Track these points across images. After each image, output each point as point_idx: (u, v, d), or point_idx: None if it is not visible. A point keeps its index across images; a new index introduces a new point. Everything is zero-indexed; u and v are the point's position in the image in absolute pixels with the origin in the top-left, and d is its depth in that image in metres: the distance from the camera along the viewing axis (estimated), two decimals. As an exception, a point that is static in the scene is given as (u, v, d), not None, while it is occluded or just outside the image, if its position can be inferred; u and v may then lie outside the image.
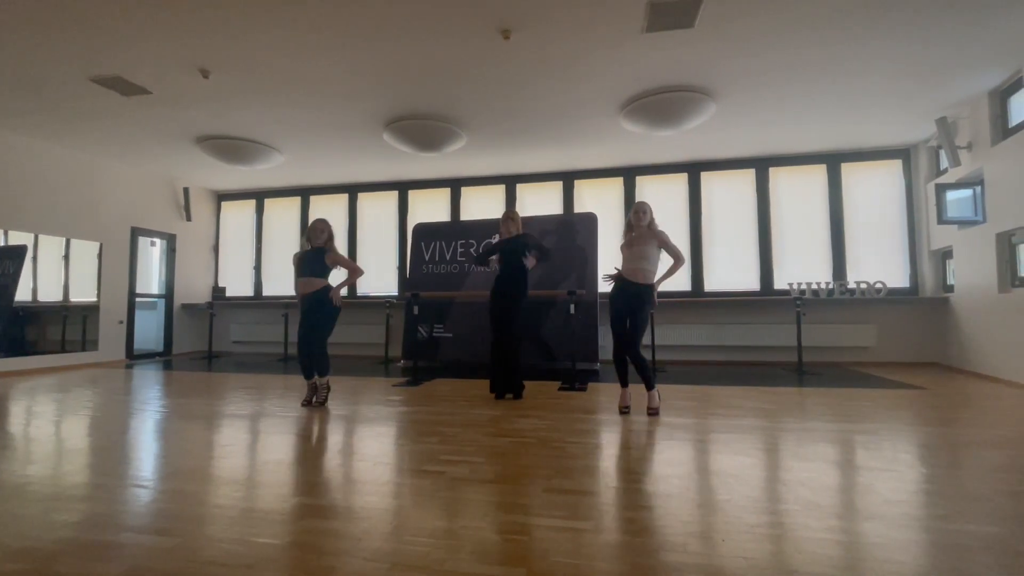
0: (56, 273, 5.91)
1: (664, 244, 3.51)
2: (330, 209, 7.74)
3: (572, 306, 4.64)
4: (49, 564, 1.40)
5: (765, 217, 6.32)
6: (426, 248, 6.60)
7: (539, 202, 7.01)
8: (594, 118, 5.03)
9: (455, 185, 7.31)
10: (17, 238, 5.49)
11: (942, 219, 5.10)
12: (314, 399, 3.63)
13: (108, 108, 4.69)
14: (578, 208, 6.82)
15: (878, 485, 1.98)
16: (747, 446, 2.55)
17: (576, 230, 6.09)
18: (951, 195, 5.04)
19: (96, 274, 6.27)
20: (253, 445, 2.68)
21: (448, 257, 6.48)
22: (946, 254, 5.60)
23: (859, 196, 6.12)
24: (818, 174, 6.23)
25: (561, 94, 4.47)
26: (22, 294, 5.53)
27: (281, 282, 7.84)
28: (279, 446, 2.65)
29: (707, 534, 1.57)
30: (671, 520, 1.67)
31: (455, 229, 6.64)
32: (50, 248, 5.82)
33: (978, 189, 4.77)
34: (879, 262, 6.00)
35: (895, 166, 6.05)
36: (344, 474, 2.20)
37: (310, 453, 2.54)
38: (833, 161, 6.15)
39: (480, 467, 2.24)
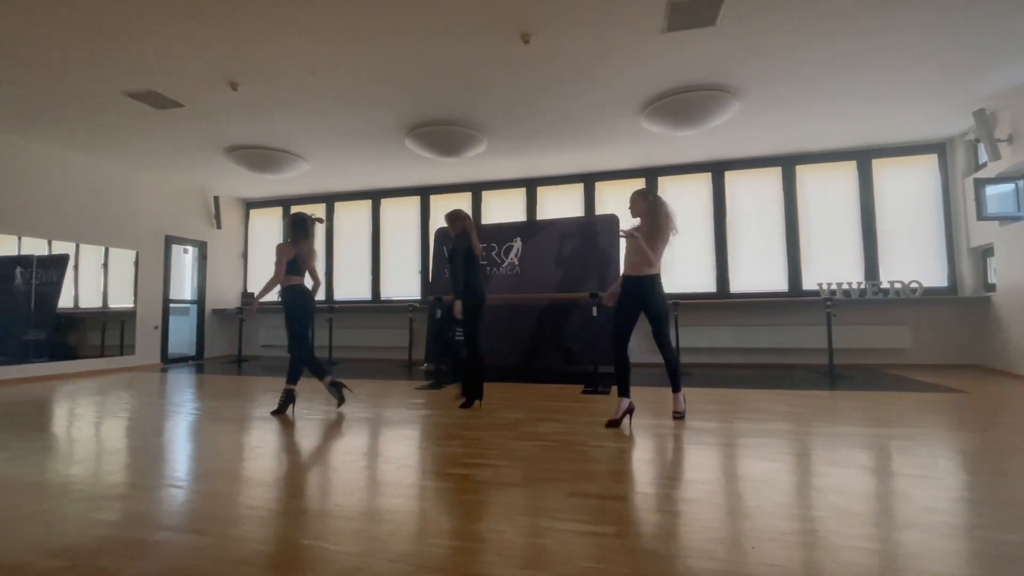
0: (96, 281, 6.16)
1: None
2: (354, 215, 7.89)
3: (595, 308, 4.61)
4: (91, 561, 1.46)
5: (792, 216, 6.17)
6: (448, 252, 6.64)
7: (560, 204, 7.00)
8: (614, 119, 5.00)
9: (476, 189, 7.35)
10: (59, 247, 5.75)
11: (982, 215, 4.90)
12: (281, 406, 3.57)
13: (142, 121, 4.88)
14: (599, 210, 6.78)
15: (916, 492, 1.91)
16: (776, 451, 2.49)
17: (597, 232, 6.05)
18: (991, 190, 4.83)
19: (133, 281, 6.52)
20: (281, 447, 2.74)
21: (470, 261, 6.50)
22: (987, 251, 5.37)
23: (892, 193, 5.92)
24: (848, 171, 6.06)
25: (581, 96, 4.46)
26: (65, 301, 5.80)
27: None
28: (306, 448, 2.70)
29: (735, 541, 1.54)
30: (698, 526, 1.64)
31: (477, 233, 6.67)
32: (90, 257, 6.08)
33: (1020, 183, 4.56)
34: (914, 261, 5.79)
35: (930, 161, 5.83)
36: (369, 476, 2.23)
37: (335, 455, 2.58)
38: (864, 157, 5.97)
39: (503, 470, 2.24)
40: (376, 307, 7.42)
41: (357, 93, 4.34)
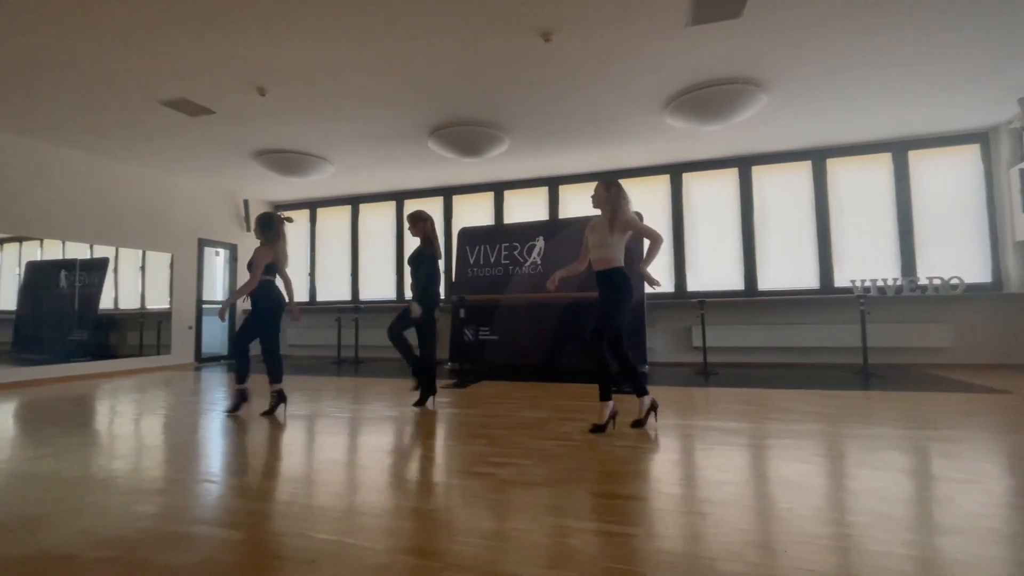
0: (134, 283, 6.41)
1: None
2: (378, 216, 8.00)
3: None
4: (132, 552, 1.52)
5: (824, 211, 5.99)
6: (471, 252, 6.68)
7: (582, 203, 6.93)
8: (637, 116, 4.94)
9: (498, 189, 7.37)
10: (100, 251, 6.01)
11: (1028, 207, 4.67)
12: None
13: (176, 128, 5.05)
14: (622, 208, 6.70)
15: (959, 497, 1.83)
16: (808, 452, 2.42)
17: (621, 230, 5.98)
18: (1038, 180, 4.60)
19: (168, 283, 6.76)
20: (310, 444, 2.80)
21: (492, 260, 6.53)
22: (1033, 245, 5.12)
23: (930, 185, 5.69)
24: (882, 163, 5.85)
25: (603, 93, 4.42)
26: (105, 302, 6.05)
27: (334, 288, 8.16)
28: (334, 446, 2.75)
29: (767, 544, 1.50)
30: (727, 528, 1.61)
31: (499, 232, 6.69)
32: (128, 260, 6.32)
33: (1070, 173, 4.33)
34: (954, 256, 5.55)
35: (971, 151, 5.59)
36: (396, 474, 2.26)
37: (363, 453, 2.62)
38: (899, 149, 5.76)
39: (528, 470, 2.24)
40: (400, 306, 7.50)
41: (380, 95, 4.40)
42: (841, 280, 5.86)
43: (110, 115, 4.70)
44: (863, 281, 5.47)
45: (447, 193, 7.61)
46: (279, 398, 3.56)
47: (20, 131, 5.07)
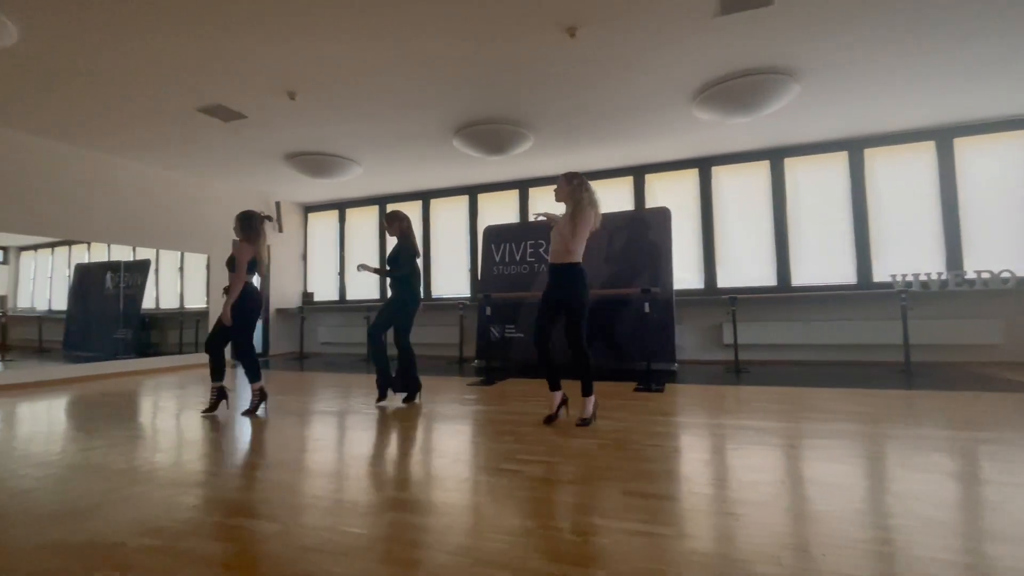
0: (173, 283, 6.67)
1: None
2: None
3: (647, 304, 4.50)
4: (176, 541, 1.58)
5: (861, 203, 5.77)
6: (496, 250, 6.70)
7: (609, 198, 6.87)
8: (664, 109, 4.86)
9: (523, 186, 7.36)
10: (142, 253, 6.28)
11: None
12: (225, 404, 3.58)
13: (211, 134, 5.22)
14: (650, 203, 6.62)
15: (1009, 503, 1.74)
16: (846, 453, 2.34)
17: (649, 225, 5.91)
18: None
19: (205, 283, 7.00)
20: (341, 440, 2.86)
21: (518, 258, 6.54)
22: (1093, 236, 4.81)
23: (978, 173, 5.41)
24: (924, 152, 5.59)
25: (629, 88, 4.36)
26: (147, 303, 6.32)
27: (363, 287, 8.31)
28: (364, 441, 2.81)
29: (804, 547, 1.46)
30: (761, 530, 1.57)
31: (524, 230, 6.69)
32: (168, 261, 6.58)
33: None
34: (1005, 248, 5.26)
35: (1023, 137, 5.28)
36: (425, 470, 2.29)
37: (392, 449, 2.66)
38: (943, 137, 5.49)
39: (556, 467, 2.23)
40: (427, 305, 7.60)
41: (406, 96, 4.45)
42: (880, 275, 5.64)
43: (152, 124, 4.90)
44: (904, 276, 5.24)
45: (472, 192, 7.65)
46: (261, 396, 3.58)
47: (70, 141, 5.34)
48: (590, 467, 2.23)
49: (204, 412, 3.56)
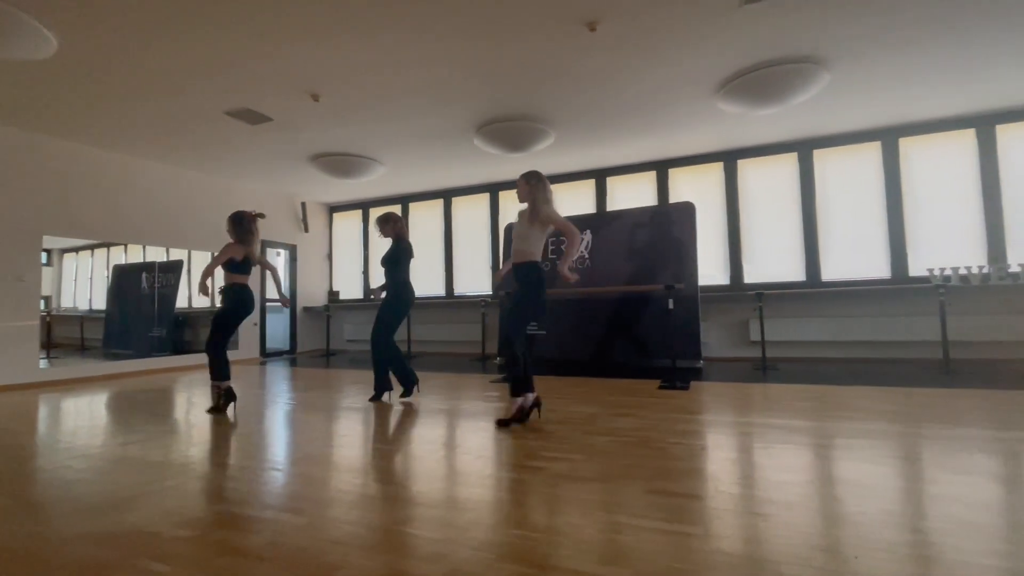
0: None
1: (544, 220, 2.95)
2: (427, 214, 8.17)
3: (670, 301, 4.44)
4: (210, 532, 1.63)
5: (895, 194, 5.56)
6: (518, 247, 6.69)
7: (631, 194, 6.80)
8: (688, 102, 4.77)
9: (544, 183, 7.32)
10: (175, 254, 6.49)
11: None
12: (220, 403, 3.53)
13: (238, 137, 5.35)
14: (673, 198, 6.52)
15: (1059, 506, 1.66)
16: (880, 453, 2.27)
17: (672, 221, 5.82)
18: None
19: (235, 283, 7.20)
20: (366, 435, 2.91)
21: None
22: None
23: (1022, 162, 5.15)
24: (963, 140, 5.35)
25: (651, 81, 4.30)
26: (180, 302, 6.53)
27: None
28: (388, 437, 2.84)
29: (835, 548, 1.42)
30: (791, 531, 1.54)
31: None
32: (200, 261, 6.78)
33: None
34: (1052, 239, 5.01)
35: (1071, 123, 5.01)
36: (448, 466, 2.31)
37: (416, 444, 2.69)
38: (984, 124, 5.25)
39: (580, 465, 2.22)
40: (450, 303, 7.65)
41: (427, 95, 4.48)
42: (916, 269, 5.43)
43: (182, 128, 5.06)
44: (942, 269, 5.04)
45: (493, 189, 7.66)
46: (228, 395, 3.54)
47: (106, 147, 5.55)
48: (613, 465, 2.21)
49: (209, 410, 3.56)
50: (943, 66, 4.14)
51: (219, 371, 3.56)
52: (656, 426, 2.87)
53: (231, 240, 3.62)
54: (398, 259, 3.88)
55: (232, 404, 3.66)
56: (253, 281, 3.54)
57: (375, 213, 8.64)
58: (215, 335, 3.58)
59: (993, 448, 2.29)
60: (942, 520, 1.58)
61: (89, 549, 1.54)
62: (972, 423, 2.73)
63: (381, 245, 8.43)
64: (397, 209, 8.39)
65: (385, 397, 3.91)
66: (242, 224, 3.60)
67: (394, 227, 3.93)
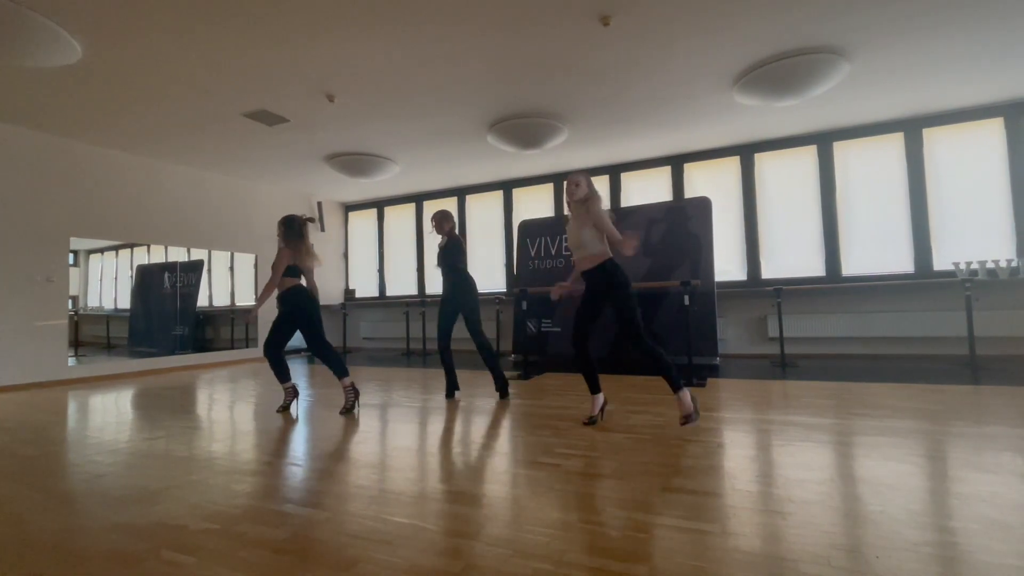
0: (224, 282, 7.01)
1: (596, 223, 2.82)
2: (441, 212, 8.20)
3: (687, 297, 4.40)
4: (233, 526, 1.67)
5: (919, 187, 5.42)
6: (531, 244, 6.70)
7: (646, 189, 6.75)
8: (703, 95, 4.71)
9: (557, 180, 7.31)
10: (196, 254, 6.62)
11: None
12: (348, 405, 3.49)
13: (256, 138, 5.44)
14: (688, 193, 6.45)
15: (1092, 506, 1.61)
16: (903, 451, 2.22)
17: (688, 216, 5.76)
18: None
19: (253, 282, 7.32)
20: (384, 432, 2.94)
21: (553, 252, 6.51)
22: None
23: (1052, 152, 4.99)
24: (991, 129, 5.19)
25: (665, 75, 4.25)
26: (201, 301, 6.67)
27: (402, 283, 8.49)
28: (406, 433, 2.87)
29: (856, 548, 1.40)
30: (810, 529, 1.52)
31: (559, 224, 6.65)
32: (219, 261, 6.92)
33: None
34: (1084, 231, 4.84)
35: (1106, 110, 4.83)
36: (464, 462, 2.33)
37: (433, 441, 2.72)
38: (1013, 113, 5.08)
39: (595, 461, 2.22)
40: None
41: (440, 93, 4.49)
42: (941, 263, 5.29)
43: (201, 131, 5.16)
44: (969, 263, 4.90)
45: (507, 187, 7.66)
46: (354, 393, 3.49)
47: (129, 149, 5.68)
48: (630, 462, 2.20)
49: (279, 409, 3.57)
50: (967, 53, 4.02)
51: (279, 374, 3.56)
52: (672, 423, 2.85)
53: (280, 244, 3.58)
54: (461, 253, 3.87)
55: (295, 402, 3.68)
56: (265, 276, 3.54)
57: (390, 211, 8.72)
58: (311, 338, 3.53)
59: (1022, 447, 2.23)
60: (968, 520, 1.54)
61: (117, 541, 1.59)
62: (1000, 421, 2.66)
63: (397, 244, 8.52)
64: (412, 207, 8.45)
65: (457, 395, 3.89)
66: (293, 228, 3.57)
67: (450, 223, 3.93)
